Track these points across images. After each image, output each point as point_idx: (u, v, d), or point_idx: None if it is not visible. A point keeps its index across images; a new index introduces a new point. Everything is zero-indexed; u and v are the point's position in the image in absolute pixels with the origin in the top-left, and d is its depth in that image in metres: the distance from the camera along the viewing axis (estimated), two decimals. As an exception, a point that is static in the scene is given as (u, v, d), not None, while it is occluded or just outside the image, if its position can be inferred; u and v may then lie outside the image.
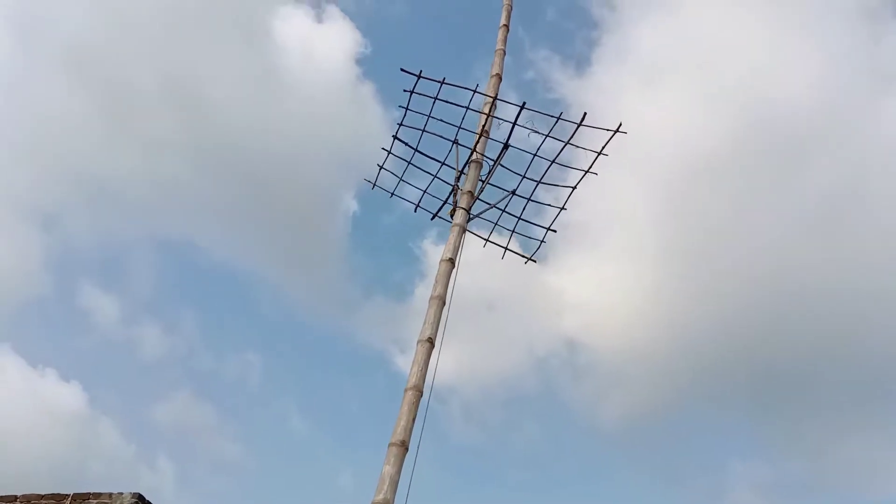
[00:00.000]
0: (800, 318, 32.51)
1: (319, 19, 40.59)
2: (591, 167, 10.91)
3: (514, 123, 10.67)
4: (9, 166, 32.66)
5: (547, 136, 10.74)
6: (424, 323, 9.00)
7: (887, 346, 31.51)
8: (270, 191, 36.49)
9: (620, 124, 10.48)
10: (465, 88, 11.03)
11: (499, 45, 11.97)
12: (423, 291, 35.94)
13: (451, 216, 10.58)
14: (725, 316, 33.73)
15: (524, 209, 11.34)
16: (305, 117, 36.62)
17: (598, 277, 36.21)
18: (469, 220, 10.50)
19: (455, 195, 10.94)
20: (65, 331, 35.74)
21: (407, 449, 8.06)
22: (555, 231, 11.44)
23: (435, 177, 11.48)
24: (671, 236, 34.91)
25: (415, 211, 11.88)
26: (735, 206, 33.84)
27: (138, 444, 31.28)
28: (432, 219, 11.58)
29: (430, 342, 8.84)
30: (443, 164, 11.37)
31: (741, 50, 34.54)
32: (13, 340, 32.03)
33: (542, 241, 11.51)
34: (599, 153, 10.74)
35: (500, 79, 11.77)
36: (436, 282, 9.37)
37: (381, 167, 11.93)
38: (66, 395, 30.73)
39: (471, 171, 10.95)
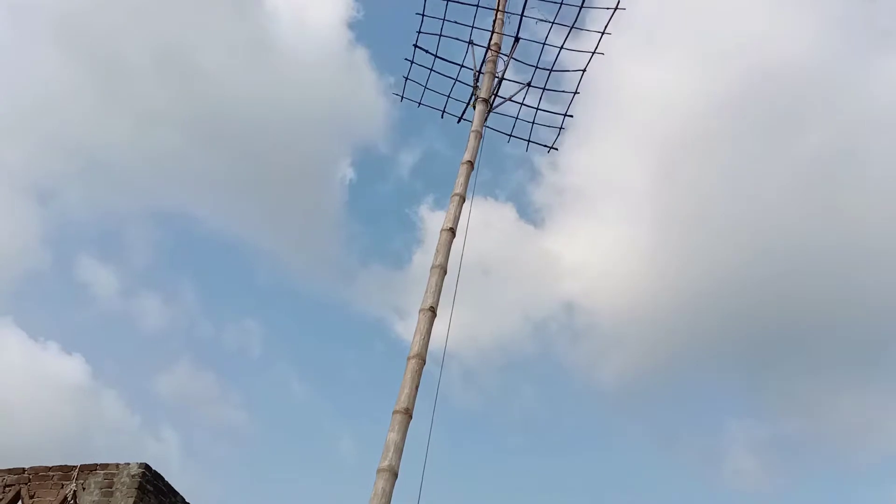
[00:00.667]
0: (794, 279, 32.74)
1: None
2: (597, 48, 11.79)
3: (522, 15, 11.67)
4: (3, 141, 32.49)
5: (553, 22, 11.77)
6: (426, 292, 9.07)
7: (881, 306, 31.78)
8: (265, 159, 36.41)
9: (619, 1, 11.40)
10: None
11: None
12: (421, 258, 36.09)
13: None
14: (721, 277, 33.98)
15: (540, 99, 12.37)
16: (299, 84, 36.37)
17: (595, 242, 36.39)
18: (489, 111, 11.39)
19: (476, 95, 11.65)
20: (65, 304, 35.90)
21: (411, 416, 8.18)
22: (571, 116, 12.44)
23: (456, 80, 12.27)
24: (667, 200, 35.02)
25: (441, 116, 12.70)
26: (729, 170, 33.92)
27: (143, 415, 31.56)
28: (458, 121, 12.38)
29: (433, 311, 8.93)
30: (461, 66, 12.16)
31: (737, 14, 34.28)
32: (14, 314, 32.12)
33: (560, 129, 12.52)
34: (603, 32, 11.67)
35: None
36: (437, 251, 9.43)
37: (407, 78, 12.76)
38: (68, 368, 30.97)
39: (487, 67, 11.70)
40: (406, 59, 12.52)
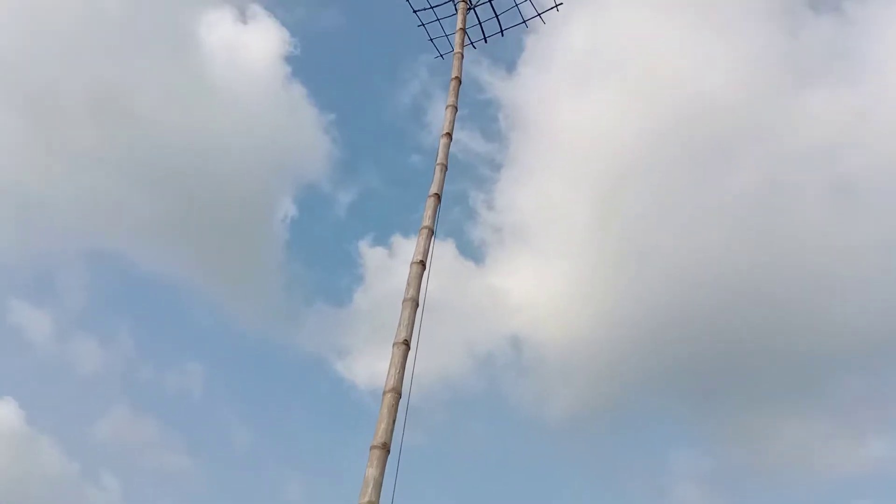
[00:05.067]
0: (733, 308, 33.46)
1: (244, 20, 39.89)
2: None
3: None
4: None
5: None
6: (399, 325, 9.01)
7: (817, 335, 32.81)
8: (204, 200, 35.73)
9: None
10: None
11: None
12: (362, 297, 35.85)
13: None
14: (660, 307, 34.49)
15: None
16: (237, 123, 36.00)
17: (537, 277, 36.70)
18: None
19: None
20: (-5, 348, 34.32)
21: (388, 451, 8.09)
22: (558, 5, 14.53)
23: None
24: (606, 233, 35.60)
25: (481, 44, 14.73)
26: (665, 202, 34.80)
27: (81, 462, 30.27)
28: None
29: (406, 344, 8.86)
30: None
31: (664, 50, 35.54)
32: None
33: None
34: None
35: None
36: (408, 284, 9.38)
37: (431, 40, 14.91)
38: (0, 413, 29.55)
39: (457, 48, 13.11)
40: (418, 25, 14.93)
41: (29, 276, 35.07)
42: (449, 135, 11.18)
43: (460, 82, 11.94)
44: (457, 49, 12.58)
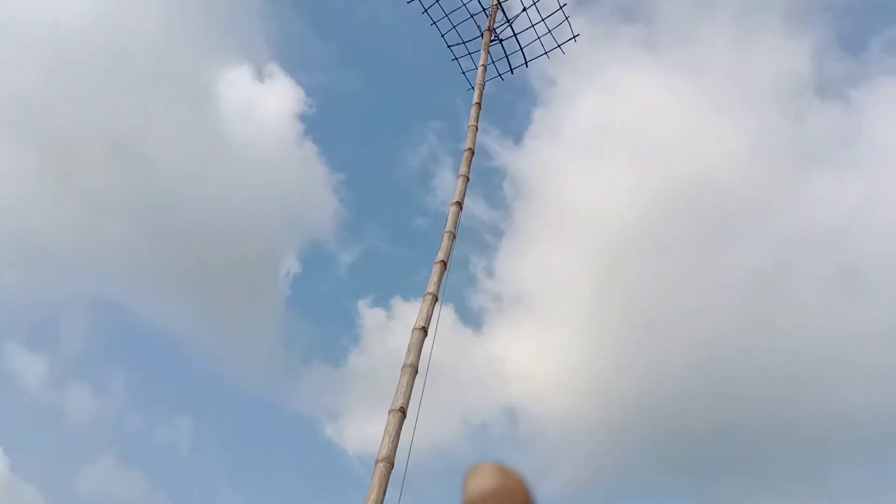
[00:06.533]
0: (735, 389, 33.07)
1: (261, 78, 40.63)
2: None
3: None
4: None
5: None
6: (396, 392, 8.83)
7: (818, 419, 32.29)
8: (210, 251, 35.86)
9: None
10: None
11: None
12: (357, 358, 35.60)
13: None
14: (661, 383, 34.11)
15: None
16: (248, 176, 36.39)
17: (538, 347, 36.38)
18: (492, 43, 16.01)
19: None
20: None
21: (378, 524, 7.86)
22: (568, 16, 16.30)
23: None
24: (608, 307, 35.42)
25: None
26: (666, 277, 34.72)
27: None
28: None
29: (402, 412, 8.67)
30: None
31: (672, 128, 36.04)
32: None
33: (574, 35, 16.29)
34: None
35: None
36: (408, 350, 9.24)
37: (464, 73, 16.91)
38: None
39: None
40: (451, 60, 16.91)
41: (29, 320, 35.03)
42: (459, 203, 11.15)
43: (473, 153, 12.01)
44: (471, 122, 12.58)
